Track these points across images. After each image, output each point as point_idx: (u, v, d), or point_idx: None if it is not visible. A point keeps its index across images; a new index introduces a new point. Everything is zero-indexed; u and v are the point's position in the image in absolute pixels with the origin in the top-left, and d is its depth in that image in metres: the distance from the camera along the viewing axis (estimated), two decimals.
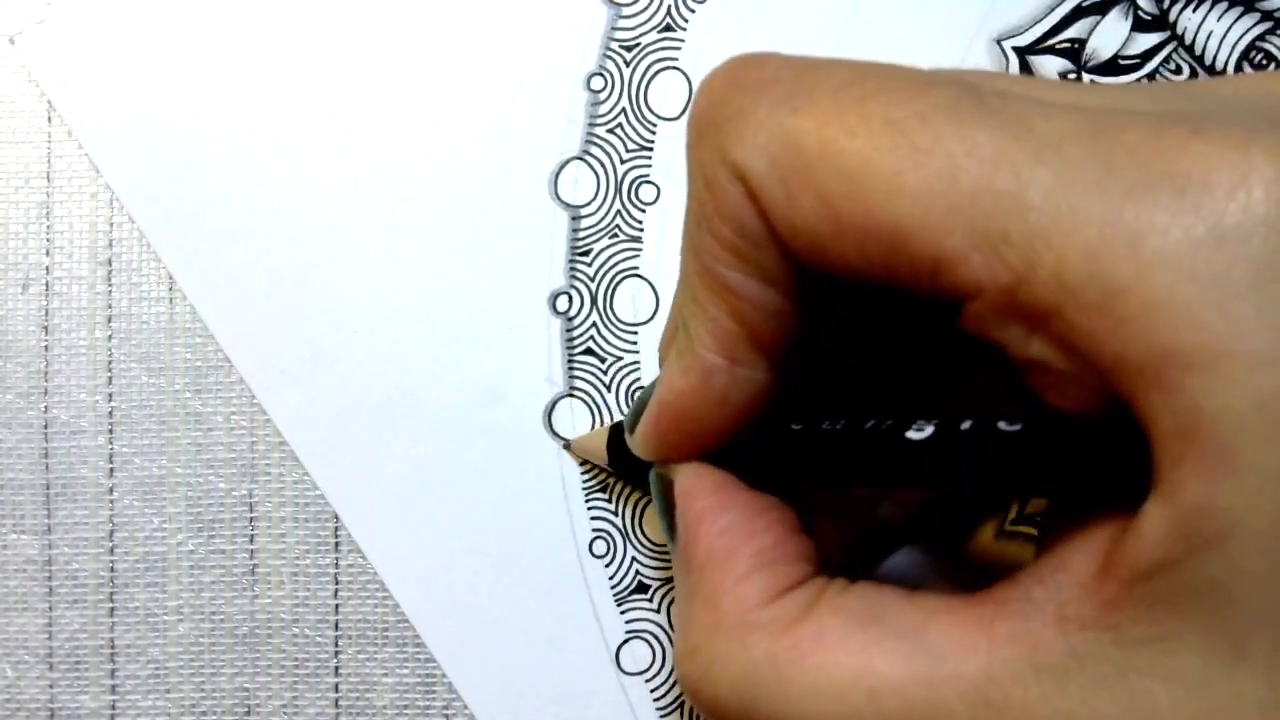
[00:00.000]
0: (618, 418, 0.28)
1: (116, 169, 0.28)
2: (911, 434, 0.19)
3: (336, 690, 0.28)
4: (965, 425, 0.18)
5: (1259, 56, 0.28)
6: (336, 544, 0.28)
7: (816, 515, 0.22)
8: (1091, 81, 0.28)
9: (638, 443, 0.22)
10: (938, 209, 0.16)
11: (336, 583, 0.28)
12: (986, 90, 0.17)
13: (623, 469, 0.26)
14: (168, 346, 0.28)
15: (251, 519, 0.28)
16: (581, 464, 0.28)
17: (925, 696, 0.17)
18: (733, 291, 0.19)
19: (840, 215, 0.17)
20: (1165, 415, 0.15)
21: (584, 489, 0.28)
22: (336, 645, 0.28)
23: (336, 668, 0.28)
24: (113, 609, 0.28)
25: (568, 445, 0.28)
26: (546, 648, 0.28)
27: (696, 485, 0.21)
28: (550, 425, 0.28)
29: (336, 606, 0.28)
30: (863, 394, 0.23)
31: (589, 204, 0.28)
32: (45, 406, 0.28)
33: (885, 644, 0.18)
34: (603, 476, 0.28)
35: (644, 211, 0.28)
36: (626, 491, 0.28)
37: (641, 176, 0.28)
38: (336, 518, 0.28)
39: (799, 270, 0.18)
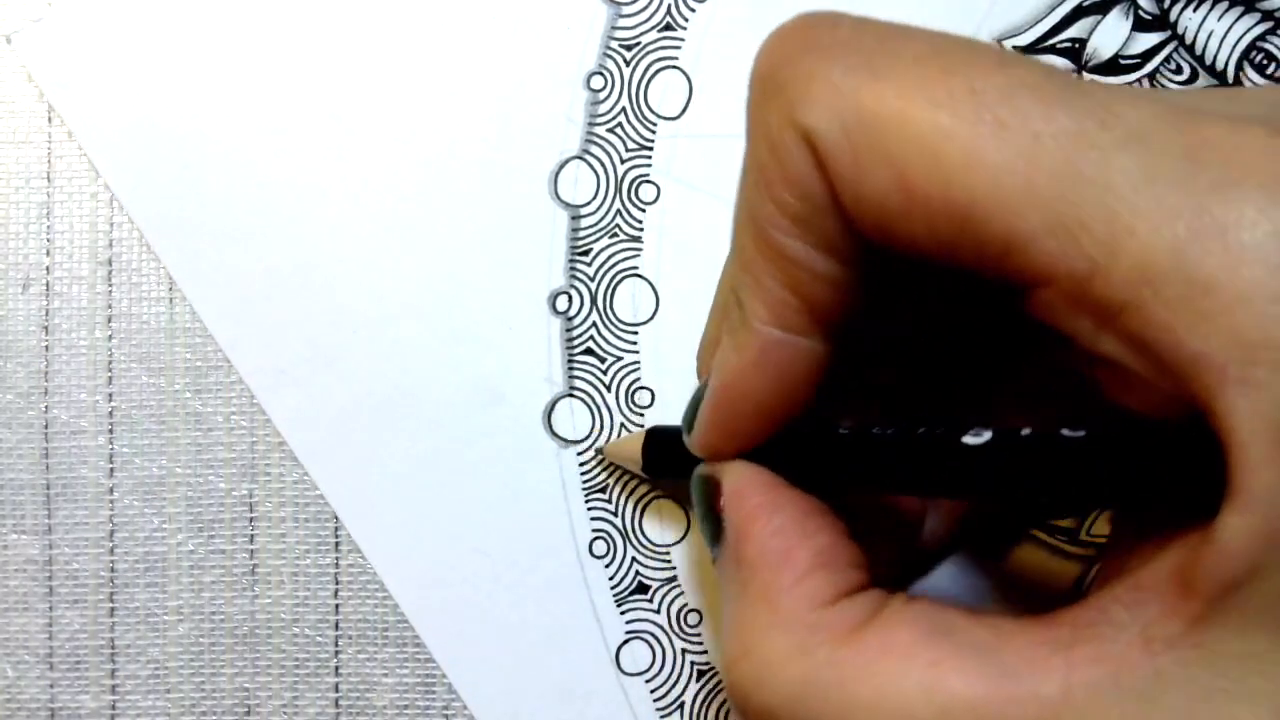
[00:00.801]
0: (618, 419, 0.28)
1: (115, 168, 0.28)
2: (968, 439, 0.18)
3: (336, 690, 0.28)
4: (1025, 432, 0.18)
5: (1259, 57, 0.28)
6: (336, 544, 0.28)
7: (858, 528, 0.21)
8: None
9: (697, 437, 0.21)
10: (1016, 187, 0.15)
11: (336, 583, 0.28)
12: (1068, 74, 0.16)
13: (660, 473, 0.25)
14: (168, 346, 0.28)
15: (251, 519, 0.28)
16: (582, 464, 0.28)
17: (999, 716, 0.16)
18: (790, 260, 0.18)
19: (912, 186, 0.16)
20: (1248, 416, 0.14)
21: (584, 489, 0.28)
22: (336, 645, 0.28)
23: (336, 668, 0.28)
24: (113, 609, 0.28)
25: (600, 451, 0.28)
26: (546, 648, 0.28)
27: (747, 484, 0.20)
28: (550, 425, 0.28)
29: (336, 606, 0.28)
30: (911, 391, 0.23)
31: (589, 203, 0.28)
32: (45, 406, 0.28)
33: (958, 659, 0.17)
34: (603, 477, 0.28)
35: (644, 211, 0.28)
36: (627, 492, 0.28)
37: (641, 176, 0.28)
38: (336, 518, 0.28)
39: (860, 243, 0.18)
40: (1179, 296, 0.15)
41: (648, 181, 0.28)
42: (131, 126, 0.28)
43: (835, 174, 0.17)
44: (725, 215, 0.27)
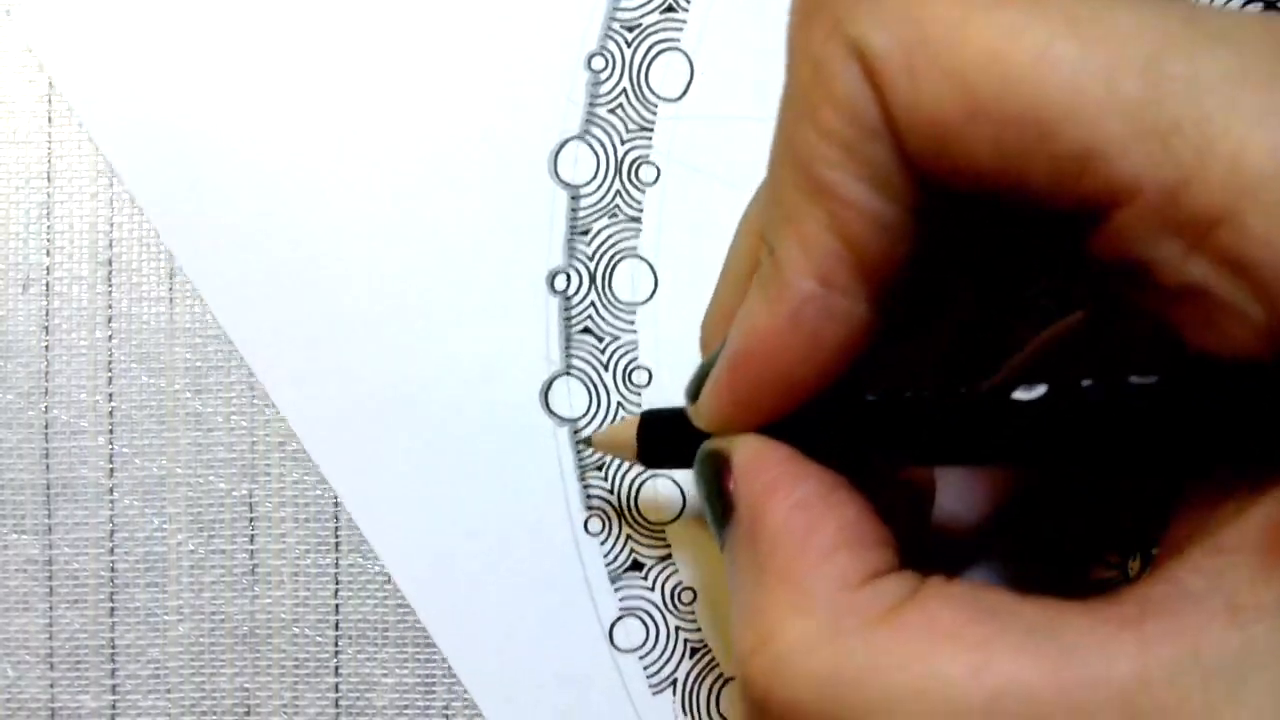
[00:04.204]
0: (615, 398, 0.28)
1: (115, 146, 0.28)
2: (1019, 395, 0.16)
3: (336, 690, 0.28)
4: (1086, 383, 0.15)
5: None
6: (336, 544, 0.28)
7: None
8: None
9: (707, 407, 0.19)
10: (1095, 89, 0.14)
11: (336, 583, 0.28)
12: None
13: (658, 463, 0.24)
14: (168, 346, 0.28)
15: (251, 519, 0.28)
16: (578, 443, 0.28)
17: (1061, 703, 0.14)
18: (835, 196, 0.16)
19: (976, 97, 0.14)
20: None
21: (579, 467, 0.28)
22: (336, 645, 0.28)
23: (336, 668, 0.28)
24: (113, 609, 0.28)
25: (586, 441, 0.27)
26: (540, 624, 0.28)
27: (762, 457, 0.18)
28: (547, 403, 0.28)
29: (336, 606, 0.28)
30: (945, 361, 0.21)
31: (589, 184, 0.28)
32: (46, 407, 0.28)
33: (1010, 640, 0.15)
34: (599, 455, 0.28)
35: (643, 192, 0.28)
36: (623, 471, 0.28)
37: (641, 157, 0.28)
38: (337, 518, 0.28)
39: (914, 178, 0.16)
40: (1278, 202, 0.13)
41: (648, 163, 0.28)
42: (132, 101, 0.28)
43: (888, 89, 0.15)
44: (725, 197, 0.26)
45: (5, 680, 0.28)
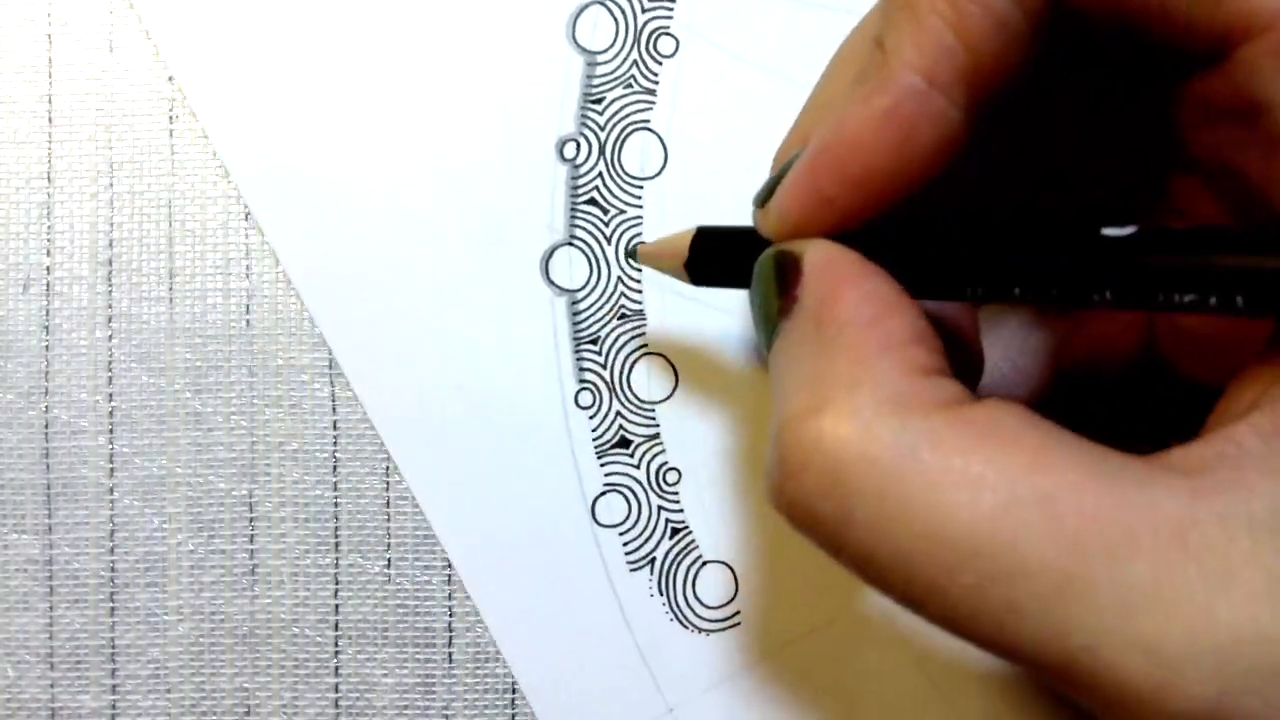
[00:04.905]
0: (615, 271, 0.28)
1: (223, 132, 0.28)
2: (1110, 231, 0.16)
3: (336, 690, 0.28)
4: (1175, 229, 0.15)
5: None
6: (336, 544, 0.28)
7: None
8: None
9: (778, 205, 0.18)
10: None
11: (336, 583, 0.28)
12: None
13: (707, 279, 0.22)
14: (168, 346, 0.28)
15: (251, 519, 0.28)
16: (574, 314, 0.27)
17: (1112, 518, 0.14)
18: None
19: None
20: None
21: (575, 338, 0.28)
22: (336, 645, 0.28)
23: (336, 668, 0.28)
24: (113, 609, 0.28)
25: (632, 254, 0.26)
26: (523, 491, 0.28)
27: (835, 258, 0.17)
28: (547, 272, 0.28)
29: (336, 606, 0.28)
30: (1022, 194, 0.20)
31: (606, 50, 0.28)
32: (46, 406, 0.28)
33: (1068, 456, 0.14)
34: (595, 328, 0.28)
35: (660, 64, 0.28)
36: (618, 346, 0.28)
37: (662, 28, 0.28)
38: (337, 518, 0.28)
39: None
40: None
41: (667, 34, 0.28)
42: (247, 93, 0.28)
43: None
44: (744, 77, 0.25)
45: (5, 680, 0.28)
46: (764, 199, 0.19)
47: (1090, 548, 0.14)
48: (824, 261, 0.17)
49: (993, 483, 0.14)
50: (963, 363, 0.21)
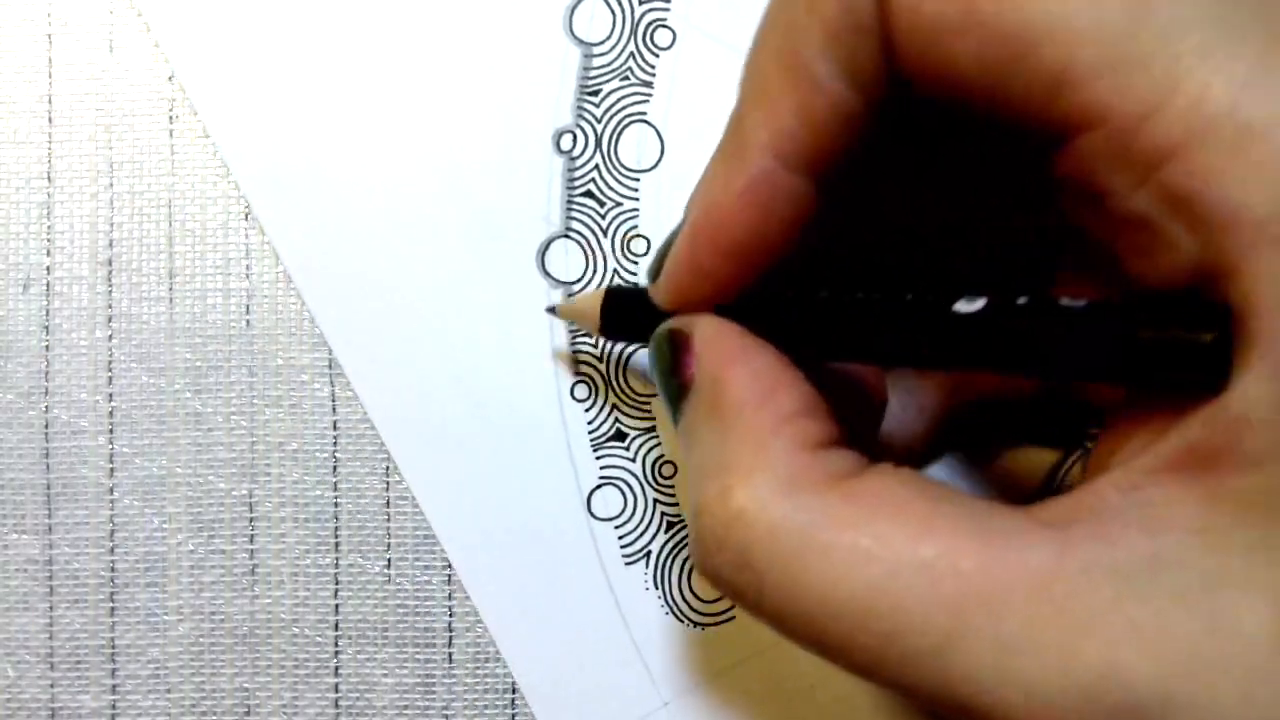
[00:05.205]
0: (611, 264, 0.28)
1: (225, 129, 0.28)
2: (960, 306, 0.17)
3: (336, 690, 0.28)
4: (1021, 300, 0.17)
5: None
6: (336, 544, 0.28)
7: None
8: None
9: (668, 279, 0.20)
10: (1083, 16, 0.14)
11: (336, 583, 0.28)
12: None
13: (619, 334, 0.24)
14: (168, 346, 0.28)
15: (251, 519, 0.28)
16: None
17: (984, 578, 0.15)
18: (811, 81, 0.17)
19: (975, 6, 0.15)
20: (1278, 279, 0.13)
21: (571, 331, 0.28)
22: (336, 645, 0.28)
23: (336, 668, 0.28)
24: (113, 609, 0.28)
25: (553, 310, 0.27)
26: (520, 486, 0.27)
27: (721, 334, 0.19)
28: (543, 265, 0.28)
29: (336, 606, 0.28)
30: (903, 265, 0.21)
31: (603, 42, 0.28)
32: (46, 406, 0.28)
33: (948, 520, 0.16)
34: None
35: (658, 56, 0.28)
36: None
37: (659, 20, 0.28)
38: (337, 518, 0.28)
39: (887, 78, 0.17)
40: (1229, 141, 0.14)
41: (664, 26, 0.28)
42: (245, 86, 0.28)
43: None
44: (740, 69, 0.26)
45: (5, 680, 0.28)
46: (655, 274, 0.21)
47: (967, 606, 0.15)
48: (713, 340, 0.19)
49: (878, 554, 0.16)
50: (863, 406, 0.23)
